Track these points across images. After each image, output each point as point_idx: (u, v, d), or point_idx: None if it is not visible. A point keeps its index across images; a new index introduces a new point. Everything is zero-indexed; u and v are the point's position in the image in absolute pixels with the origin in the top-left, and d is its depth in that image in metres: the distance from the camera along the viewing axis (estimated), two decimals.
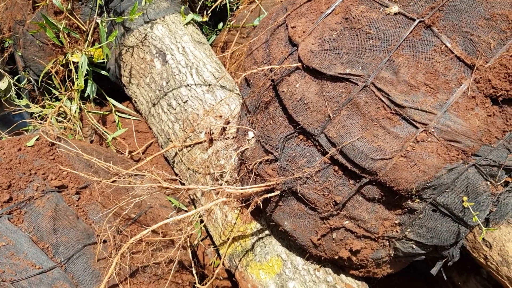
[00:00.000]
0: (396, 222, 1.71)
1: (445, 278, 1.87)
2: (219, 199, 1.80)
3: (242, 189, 1.76)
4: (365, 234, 1.78)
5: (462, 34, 1.44)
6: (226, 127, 2.14)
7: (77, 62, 2.75)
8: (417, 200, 1.60)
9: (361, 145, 1.52)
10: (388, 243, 1.82)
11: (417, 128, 1.45)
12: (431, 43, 1.43)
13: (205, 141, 2.20)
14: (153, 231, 2.02)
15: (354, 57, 1.52)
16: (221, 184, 1.77)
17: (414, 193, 1.55)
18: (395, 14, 1.49)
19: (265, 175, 1.80)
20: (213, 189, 1.73)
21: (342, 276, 2.11)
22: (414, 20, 1.46)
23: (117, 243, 1.93)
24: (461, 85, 1.40)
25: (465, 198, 1.56)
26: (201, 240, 2.80)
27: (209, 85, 2.49)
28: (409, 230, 1.72)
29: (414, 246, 1.78)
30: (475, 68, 1.39)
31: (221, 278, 2.61)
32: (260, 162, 1.79)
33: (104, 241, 1.93)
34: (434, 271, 1.87)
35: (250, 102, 1.89)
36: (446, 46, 1.42)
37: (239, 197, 1.83)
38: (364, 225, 1.75)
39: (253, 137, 1.88)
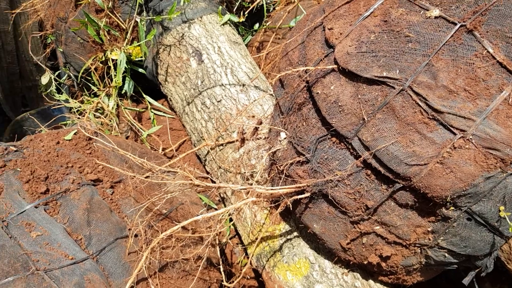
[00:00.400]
0: (429, 229, 1.67)
1: None
2: (248, 198, 1.81)
3: (272, 189, 1.76)
4: (396, 241, 1.75)
5: (505, 39, 1.40)
6: (258, 127, 2.15)
7: (116, 60, 2.82)
8: (452, 208, 1.56)
9: (395, 149, 1.50)
10: (419, 251, 1.78)
11: (454, 134, 1.42)
12: (472, 48, 1.40)
13: (237, 140, 2.22)
14: (183, 227, 2.05)
15: (391, 60, 1.50)
16: (251, 184, 1.78)
17: (449, 200, 1.51)
18: (435, 17, 1.46)
19: (296, 176, 1.80)
20: (243, 189, 1.74)
21: (371, 282, 2.08)
22: (456, 24, 1.43)
23: (148, 238, 1.96)
24: (502, 92, 1.36)
25: (502, 208, 1.51)
26: (230, 239, 2.81)
27: (243, 85, 2.51)
28: (442, 238, 1.68)
29: (446, 254, 1.74)
30: None
31: (248, 277, 2.62)
32: (291, 163, 1.79)
33: (136, 235, 1.96)
34: (466, 281, 1.82)
35: (283, 103, 1.89)
36: (488, 52, 1.38)
37: (269, 197, 1.84)
38: (396, 231, 1.72)
39: (285, 138, 1.88)
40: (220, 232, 2.35)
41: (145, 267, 1.81)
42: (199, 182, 1.76)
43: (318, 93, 1.65)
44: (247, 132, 2.23)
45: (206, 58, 2.65)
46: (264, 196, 1.84)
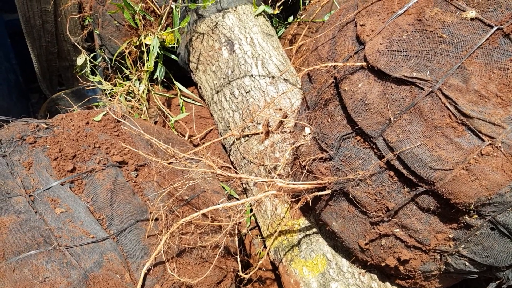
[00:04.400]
0: (450, 236, 1.63)
1: None
2: (269, 191, 1.81)
3: (293, 184, 1.76)
4: (416, 245, 1.72)
5: None
6: (283, 121, 2.14)
7: (149, 45, 2.86)
8: (475, 216, 1.52)
9: (420, 152, 1.46)
10: (439, 257, 1.74)
11: (483, 140, 1.37)
12: (508, 52, 1.34)
13: (261, 132, 2.22)
14: (203, 215, 2.07)
15: (423, 60, 1.46)
16: (273, 177, 1.78)
17: (473, 208, 1.47)
18: (471, 19, 1.41)
19: (318, 173, 1.78)
20: (265, 181, 1.74)
21: (388, 284, 2.06)
22: (492, 27, 1.37)
23: (168, 222, 1.99)
24: None
25: None
26: (250, 230, 2.83)
27: (273, 77, 2.50)
28: (463, 246, 1.64)
29: (467, 263, 1.70)
30: None
31: (265, 270, 2.63)
32: (314, 159, 1.77)
33: (156, 219, 1.99)
34: None
35: (310, 98, 1.87)
36: None
37: (290, 191, 1.83)
38: (416, 235, 1.69)
39: (309, 134, 1.87)
40: (239, 223, 2.36)
41: (163, 251, 1.83)
42: (221, 171, 1.78)
43: (345, 90, 1.62)
44: (272, 124, 2.22)
45: (238, 48, 2.66)
46: (285, 190, 1.83)
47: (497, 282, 1.75)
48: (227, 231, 1.92)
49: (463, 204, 1.46)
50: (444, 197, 1.49)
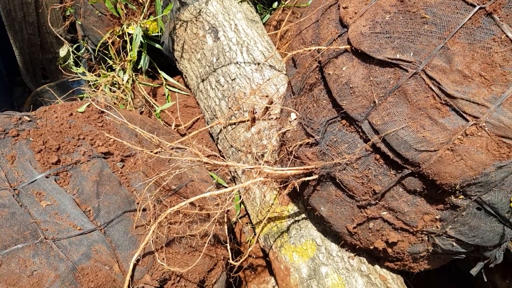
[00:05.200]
0: (437, 217, 1.64)
1: (485, 280, 1.79)
2: (256, 178, 1.81)
3: (280, 170, 1.75)
4: (403, 227, 1.73)
5: None
6: (269, 107, 2.12)
7: (132, 34, 2.81)
8: (461, 197, 1.53)
9: (405, 134, 1.46)
10: (427, 238, 1.76)
11: (467, 121, 1.37)
12: (490, 31, 1.34)
13: (248, 120, 2.20)
14: (191, 204, 2.06)
15: (406, 42, 1.45)
16: (260, 164, 1.77)
17: (458, 188, 1.48)
18: None
19: (305, 158, 1.78)
20: (251, 168, 1.73)
21: (377, 266, 2.07)
22: (474, 6, 1.37)
23: (156, 212, 1.97)
24: None
25: None
26: (240, 218, 2.82)
27: (258, 64, 2.48)
28: (450, 226, 1.65)
29: (454, 243, 1.71)
30: None
31: (255, 257, 2.63)
32: (301, 145, 1.77)
33: (144, 209, 1.98)
34: (474, 271, 1.79)
35: (295, 83, 1.86)
36: (506, 36, 1.32)
37: (277, 178, 1.82)
38: (403, 217, 1.70)
39: (295, 119, 1.86)
40: (228, 211, 2.36)
41: (152, 241, 1.82)
42: (207, 159, 1.76)
43: (329, 74, 1.61)
44: (258, 111, 2.21)
45: (222, 35, 2.63)
46: (272, 177, 1.83)
47: (484, 261, 1.77)
48: (215, 219, 1.91)
49: (448, 184, 1.47)
50: (430, 178, 1.49)
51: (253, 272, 2.77)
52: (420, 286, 2.67)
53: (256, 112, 2.19)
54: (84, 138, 2.05)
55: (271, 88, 2.36)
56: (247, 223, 2.71)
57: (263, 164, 1.78)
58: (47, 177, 1.86)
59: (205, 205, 2.13)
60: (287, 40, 2.82)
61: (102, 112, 2.20)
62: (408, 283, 2.62)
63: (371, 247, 1.87)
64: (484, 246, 1.69)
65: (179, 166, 1.90)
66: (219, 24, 2.67)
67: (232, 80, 2.47)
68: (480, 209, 1.55)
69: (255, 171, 1.84)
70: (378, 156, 1.60)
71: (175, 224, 2.01)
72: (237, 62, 2.49)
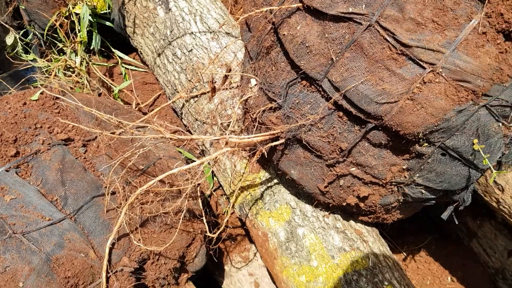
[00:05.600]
0: (404, 167, 1.67)
1: (457, 223, 1.84)
2: (224, 149, 1.78)
3: (246, 138, 1.73)
4: (373, 180, 1.75)
5: None
6: (229, 76, 2.08)
7: (80, 14, 2.69)
8: (425, 144, 1.54)
9: (365, 88, 1.46)
10: (396, 189, 1.78)
11: (424, 68, 1.37)
12: None
13: (209, 91, 2.16)
14: (161, 182, 2.03)
15: None
16: (226, 134, 1.74)
17: (422, 137, 1.49)
18: None
19: (269, 123, 1.76)
20: (216, 139, 1.70)
21: (352, 222, 2.11)
22: None
23: (126, 194, 1.94)
24: (471, 21, 1.30)
25: (475, 141, 1.50)
26: (214, 191, 2.81)
27: (214, 32, 2.42)
28: (417, 175, 1.68)
29: (423, 191, 1.75)
30: (487, 1, 1.28)
31: (233, 227, 2.64)
32: (264, 111, 1.74)
33: (113, 193, 1.94)
34: (444, 215, 1.84)
35: (251, 48, 1.82)
36: None
37: (245, 146, 1.81)
38: (371, 171, 1.71)
39: (255, 85, 1.83)
40: (200, 184, 2.33)
41: (126, 223, 1.80)
42: (171, 135, 1.72)
43: (284, 34, 1.58)
44: (217, 81, 2.16)
45: (173, 6, 2.54)
46: (239, 146, 1.81)
47: (454, 205, 1.82)
48: (187, 194, 1.89)
49: (412, 134, 1.48)
50: (393, 130, 1.50)
51: (233, 242, 2.78)
52: (395, 236, 2.75)
53: (215, 82, 2.15)
54: (41, 127, 1.97)
55: (230, 56, 2.31)
56: (222, 195, 2.70)
57: (229, 134, 1.75)
58: (7, 170, 1.79)
59: (175, 182, 2.11)
60: (242, 5, 2.75)
61: (57, 98, 2.12)
62: (383, 234, 2.68)
63: (344, 204, 1.89)
64: (452, 190, 1.73)
65: (143, 145, 1.85)
66: None
67: (189, 51, 2.41)
68: (444, 154, 1.57)
69: (222, 141, 1.82)
70: (341, 114, 1.59)
71: (147, 204, 1.98)
72: (192, 33, 2.42)
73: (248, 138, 1.72)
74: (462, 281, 2.65)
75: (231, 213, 2.55)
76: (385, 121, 1.49)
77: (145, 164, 2.14)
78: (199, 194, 2.25)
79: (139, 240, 1.90)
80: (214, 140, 1.70)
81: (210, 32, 2.41)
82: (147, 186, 1.83)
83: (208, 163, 2.40)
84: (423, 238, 2.76)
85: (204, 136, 1.74)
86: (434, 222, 2.73)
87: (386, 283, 1.93)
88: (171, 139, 1.73)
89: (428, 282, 2.66)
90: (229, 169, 2.28)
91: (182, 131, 1.90)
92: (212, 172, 2.56)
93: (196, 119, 2.39)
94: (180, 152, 2.77)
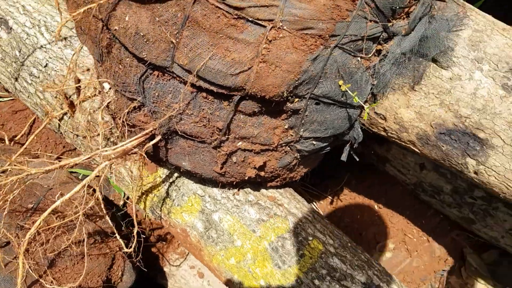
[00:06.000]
0: (286, 127, 1.61)
1: (357, 159, 1.83)
2: (101, 164, 1.65)
3: (119, 146, 1.60)
4: (263, 148, 1.69)
5: None
6: (80, 87, 1.91)
7: None
8: (296, 100, 1.49)
9: (215, 64, 1.36)
10: (289, 148, 1.74)
11: (264, 27, 1.29)
12: None
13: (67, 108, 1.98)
14: (54, 213, 1.88)
15: None
16: (97, 149, 1.60)
17: (288, 95, 1.43)
18: None
19: (140, 123, 1.63)
20: (87, 158, 1.56)
21: (263, 190, 2.06)
22: None
23: (22, 240, 1.78)
24: None
25: (340, 82, 1.46)
26: (127, 199, 2.69)
27: (65, 38, 2.20)
28: (302, 129, 1.63)
29: (314, 142, 1.71)
30: None
31: (160, 227, 2.56)
32: (129, 112, 1.61)
33: (7, 243, 1.78)
34: (344, 157, 1.83)
35: (93, 51, 1.66)
36: None
37: (123, 154, 1.68)
38: (257, 140, 1.65)
39: (110, 88, 1.68)
40: (98, 204, 2.19)
41: (31, 270, 1.67)
42: (36, 170, 1.56)
43: (116, 29, 1.43)
44: (70, 94, 1.98)
45: (13, 23, 2.28)
46: (118, 156, 1.68)
47: (348, 144, 1.81)
48: (81, 221, 1.76)
49: (277, 95, 1.42)
50: (259, 96, 1.43)
51: (164, 243, 2.70)
52: (316, 185, 2.77)
53: (70, 97, 1.97)
54: None
55: (90, 60, 2.12)
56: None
57: (100, 148, 1.62)
58: None
59: (67, 210, 1.95)
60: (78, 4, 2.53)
61: None
62: (306, 185, 2.70)
63: (246, 178, 1.83)
64: (340, 133, 1.71)
65: (11, 189, 1.67)
66: (5, 12, 2.31)
67: (44, 67, 2.18)
68: (318, 103, 1.53)
69: (99, 157, 1.68)
70: (205, 94, 1.50)
71: (48, 243, 1.84)
72: (42, 46, 2.19)
73: (122, 146, 1.59)
74: (388, 205, 2.73)
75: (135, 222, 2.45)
76: (248, 90, 1.41)
77: (33, 201, 1.97)
78: (104, 211, 2.11)
79: (51, 282, 1.77)
80: (86, 160, 1.56)
81: (61, 40, 2.20)
82: (35, 227, 1.68)
83: (112, 172, 2.24)
84: (342, 177, 2.79)
85: (75, 159, 1.59)
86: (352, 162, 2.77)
87: (310, 238, 1.92)
88: (35, 173, 1.57)
89: (359, 216, 2.72)
90: (127, 176, 2.15)
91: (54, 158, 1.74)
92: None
93: (77, 136, 2.21)
94: (77, 172, 2.60)
